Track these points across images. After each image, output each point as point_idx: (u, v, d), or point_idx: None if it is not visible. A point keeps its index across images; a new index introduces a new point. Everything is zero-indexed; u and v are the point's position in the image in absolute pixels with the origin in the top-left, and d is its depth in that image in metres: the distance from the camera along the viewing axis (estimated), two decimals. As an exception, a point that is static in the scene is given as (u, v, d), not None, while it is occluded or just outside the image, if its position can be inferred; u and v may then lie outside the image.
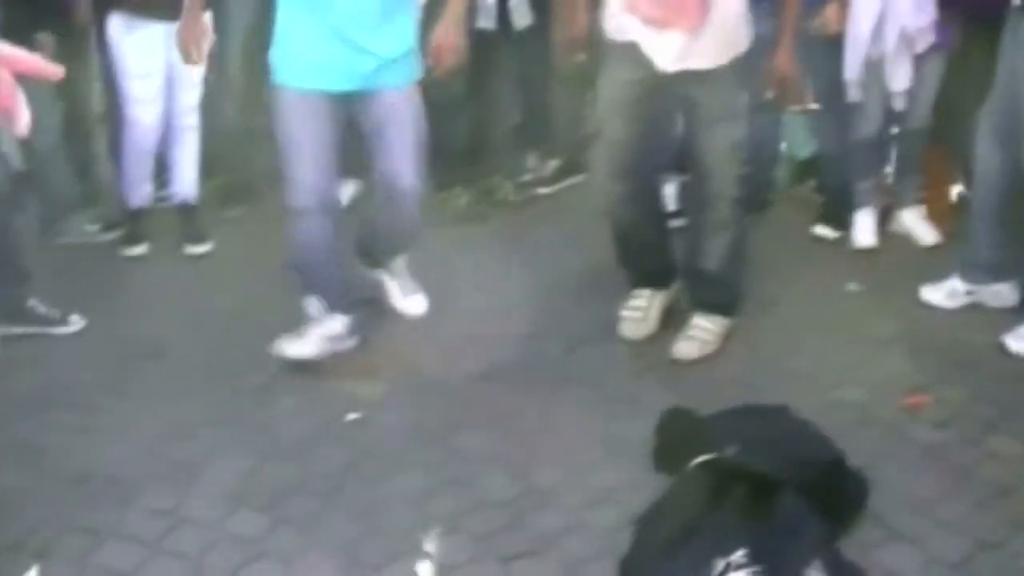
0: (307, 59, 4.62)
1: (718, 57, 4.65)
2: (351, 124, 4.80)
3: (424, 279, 5.51)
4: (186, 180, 6.14)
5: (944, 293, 5.36)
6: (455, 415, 4.60)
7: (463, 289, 5.39)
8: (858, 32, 5.61)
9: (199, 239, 6.13)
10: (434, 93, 5.98)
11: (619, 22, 4.75)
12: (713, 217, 4.94)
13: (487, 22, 6.20)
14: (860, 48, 5.63)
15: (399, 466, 4.28)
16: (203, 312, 5.45)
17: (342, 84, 4.64)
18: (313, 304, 4.94)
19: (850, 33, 5.65)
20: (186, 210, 6.18)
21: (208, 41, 5.32)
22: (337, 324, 4.95)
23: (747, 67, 4.78)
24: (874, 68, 5.68)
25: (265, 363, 4.92)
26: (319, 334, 4.92)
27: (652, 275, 5.24)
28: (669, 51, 4.63)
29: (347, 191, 6.12)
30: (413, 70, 4.81)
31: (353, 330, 5.00)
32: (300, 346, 4.90)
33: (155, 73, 5.78)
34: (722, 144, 4.80)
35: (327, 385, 4.82)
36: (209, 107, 6.11)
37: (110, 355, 5.09)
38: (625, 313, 5.21)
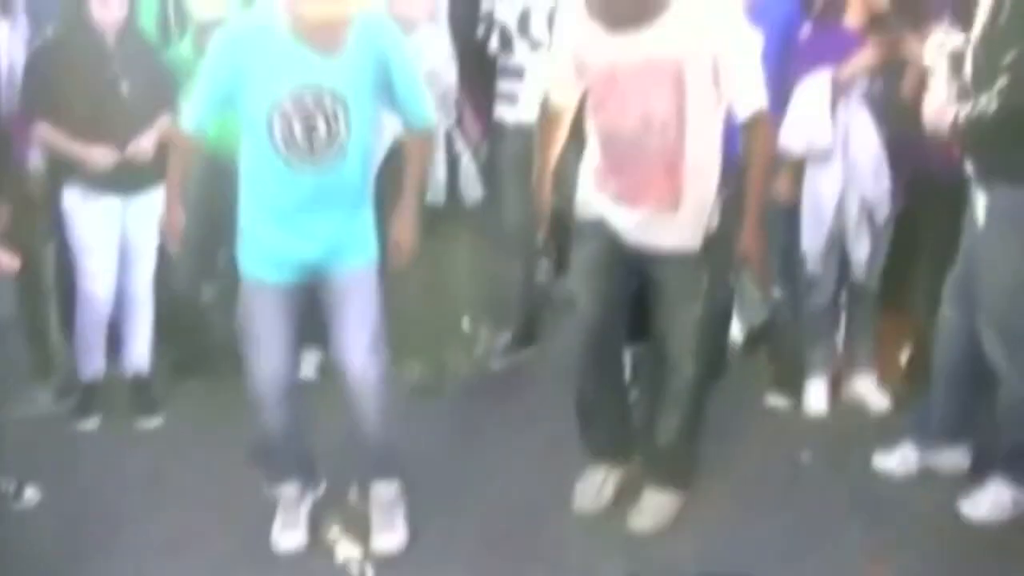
0: (258, 250, 4.66)
1: (687, 238, 4.73)
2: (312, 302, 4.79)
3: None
4: (138, 352, 6.13)
5: (896, 459, 5.37)
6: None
7: (419, 463, 5.34)
8: (821, 206, 5.70)
9: (151, 411, 6.09)
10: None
11: (588, 198, 4.88)
12: (670, 393, 4.97)
13: (436, 196, 6.18)
14: (824, 222, 5.72)
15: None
16: (159, 485, 5.40)
17: (290, 275, 4.65)
18: (290, 489, 4.94)
19: (810, 207, 5.74)
20: (138, 383, 6.16)
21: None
22: (302, 492, 4.98)
23: (713, 247, 4.82)
24: (833, 240, 5.77)
25: (226, 535, 4.91)
26: (304, 514, 4.95)
27: (613, 449, 5.23)
28: (636, 226, 4.72)
29: (311, 361, 6.17)
30: (369, 249, 4.77)
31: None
32: (295, 535, 4.91)
33: (109, 246, 5.81)
34: (683, 323, 4.84)
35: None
36: (161, 278, 6.12)
37: (67, 528, 5.03)
38: (580, 486, 5.18)
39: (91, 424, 6.06)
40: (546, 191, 5.14)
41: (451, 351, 6.66)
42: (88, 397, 6.11)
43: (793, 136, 5.61)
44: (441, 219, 6.21)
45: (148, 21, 6.29)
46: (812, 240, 5.79)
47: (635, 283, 4.97)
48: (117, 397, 6.16)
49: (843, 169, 5.66)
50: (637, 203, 4.69)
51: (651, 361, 5.20)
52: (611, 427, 5.22)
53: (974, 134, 4.74)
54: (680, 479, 5.11)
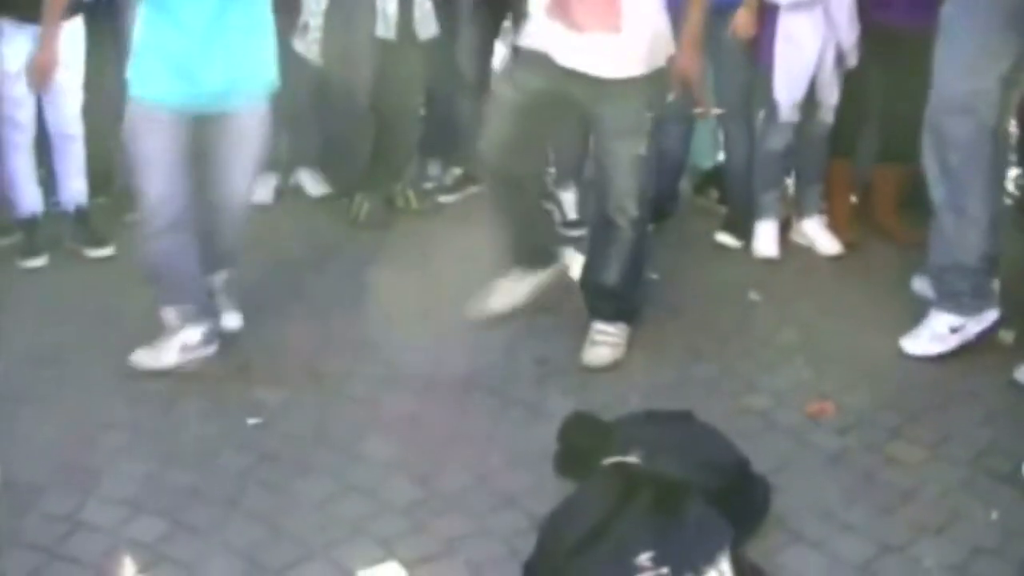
0: (156, 71, 4.57)
1: (630, 68, 4.73)
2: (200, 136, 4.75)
3: (327, 284, 5.58)
4: (73, 188, 6.07)
5: None
6: (359, 421, 4.58)
7: (367, 295, 5.33)
8: (803, 55, 5.69)
9: (100, 243, 6.04)
10: (338, 102, 5.93)
11: (537, 29, 4.87)
12: (613, 231, 4.99)
13: (387, 32, 6.08)
14: (806, 71, 5.72)
15: (302, 471, 4.25)
16: (106, 317, 5.37)
17: (186, 104, 4.60)
18: (170, 314, 4.91)
19: (789, 57, 5.71)
20: (80, 217, 6.11)
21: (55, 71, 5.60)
22: (195, 334, 4.93)
23: (656, 82, 4.84)
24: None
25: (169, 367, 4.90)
26: (176, 345, 4.91)
27: (524, 255, 5.35)
28: (582, 50, 4.71)
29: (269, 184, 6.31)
30: (266, 85, 4.79)
31: (210, 339, 4.99)
32: (157, 357, 4.90)
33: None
34: (624, 158, 4.86)
35: (230, 390, 4.78)
36: (109, 113, 6.03)
37: (10, 362, 5.00)
38: (492, 286, 5.35)
39: (38, 263, 5.99)
40: None
41: (399, 187, 6.62)
42: (31, 236, 6.04)
43: None
44: (393, 55, 6.13)
45: None
46: (790, 89, 5.77)
47: (574, 116, 5.16)
48: (64, 230, 6.12)
49: (823, 17, 5.62)
50: (585, 29, 4.69)
51: (595, 200, 5.20)
52: (519, 233, 5.32)
53: None
54: (626, 315, 5.14)
